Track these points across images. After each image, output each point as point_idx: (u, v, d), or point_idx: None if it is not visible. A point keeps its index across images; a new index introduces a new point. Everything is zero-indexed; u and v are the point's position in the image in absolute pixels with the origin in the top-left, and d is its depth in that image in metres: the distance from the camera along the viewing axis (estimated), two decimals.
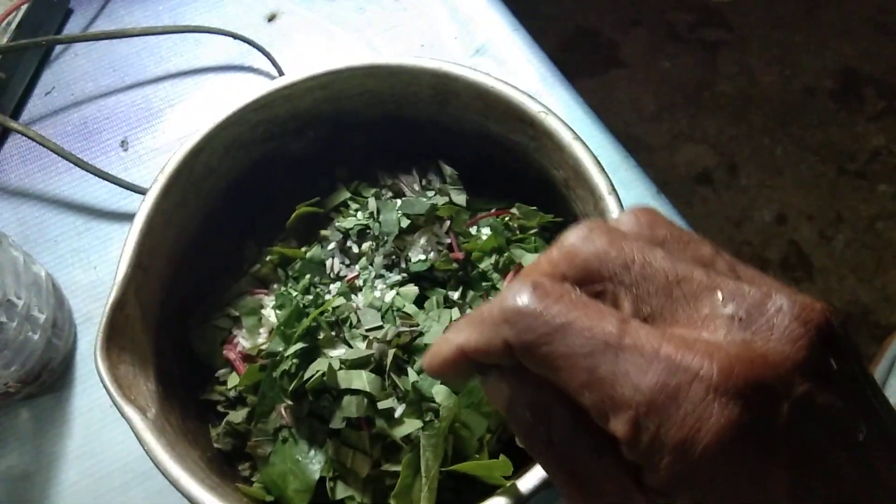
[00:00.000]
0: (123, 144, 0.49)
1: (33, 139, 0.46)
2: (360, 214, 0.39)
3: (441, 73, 0.38)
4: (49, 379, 0.43)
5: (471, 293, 0.37)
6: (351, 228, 0.39)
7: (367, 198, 0.40)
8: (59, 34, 0.55)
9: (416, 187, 0.41)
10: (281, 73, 0.51)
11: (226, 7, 0.55)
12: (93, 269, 0.47)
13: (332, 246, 0.39)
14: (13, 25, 0.51)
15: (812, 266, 1.31)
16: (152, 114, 0.51)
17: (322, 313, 0.35)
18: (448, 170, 0.41)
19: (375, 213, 0.39)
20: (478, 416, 0.34)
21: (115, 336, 0.33)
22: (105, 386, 0.31)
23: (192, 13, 0.55)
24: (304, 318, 0.35)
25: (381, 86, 0.39)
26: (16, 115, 0.52)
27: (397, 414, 0.34)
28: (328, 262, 0.38)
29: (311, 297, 0.37)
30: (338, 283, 0.38)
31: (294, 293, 0.37)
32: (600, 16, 1.53)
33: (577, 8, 1.54)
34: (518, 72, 0.53)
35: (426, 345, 0.35)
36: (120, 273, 0.34)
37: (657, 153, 1.41)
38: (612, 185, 0.35)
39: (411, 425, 0.33)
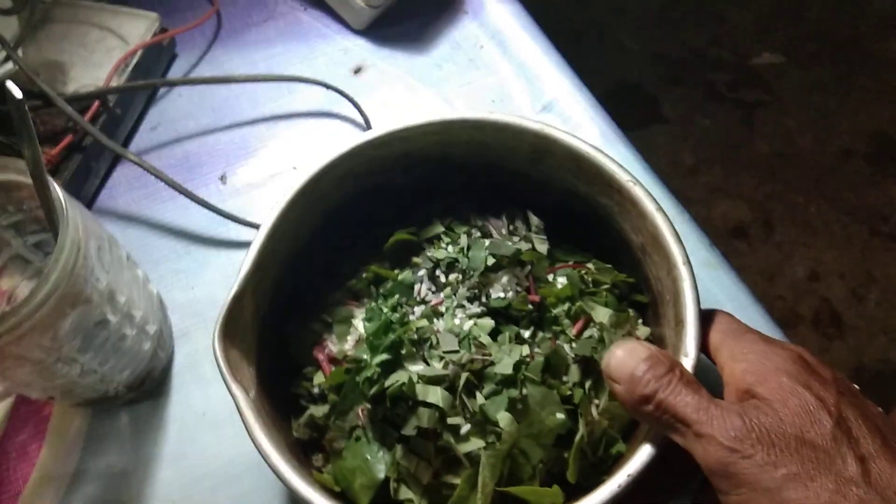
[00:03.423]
0: (222, 179, 0.54)
1: (146, 169, 0.52)
2: (450, 248, 0.43)
3: (542, 134, 0.42)
4: (150, 386, 0.48)
5: (540, 334, 0.41)
6: (442, 259, 0.43)
7: (459, 234, 0.44)
8: (165, 77, 0.60)
9: (504, 231, 0.45)
10: (366, 121, 0.56)
11: (316, 60, 0.61)
12: (190, 289, 0.52)
13: (422, 272, 0.43)
14: (129, 68, 0.57)
15: (843, 324, 1.33)
16: (248, 152, 0.57)
17: (407, 331, 0.39)
18: (535, 220, 0.45)
19: (465, 248, 0.43)
20: (535, 446, 0.37)
21: (231, 324, 0.37)
22: (218, 364, 0.35)
23: (286, 63, 0.61)
24: (391, 333, 0.39)
25: (486, 138, 0.43)
26: (125, 147, 0.57)
27: (463, 431, 0.37)
28: (416, 287, 0.43)
29: (397, 315, 0.41)
30: (422, 307, 0.42)
31: (384, 309, 0.41)
32: (642, 72, 1.59)
33: (620, 64, 1.60)
34: (581, 127, 0.58)
35: (496, 374, 0.38)
36: (244, 270, 0.38)
37: (694, 206, 1.45)
38: (687, 256, 0.38)
39: (474, 444, 0.37)
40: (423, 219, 0.46)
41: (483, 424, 0.37)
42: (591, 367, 0.40)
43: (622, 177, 0.40)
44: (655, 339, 0.42)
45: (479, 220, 0.46)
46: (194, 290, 0.52)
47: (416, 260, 0.44)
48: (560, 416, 0.38)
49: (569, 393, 0.39)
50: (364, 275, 0.44)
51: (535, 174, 0.45)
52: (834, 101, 1.54)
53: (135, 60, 0.57)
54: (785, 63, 1.59)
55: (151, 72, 0.59)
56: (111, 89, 0.55)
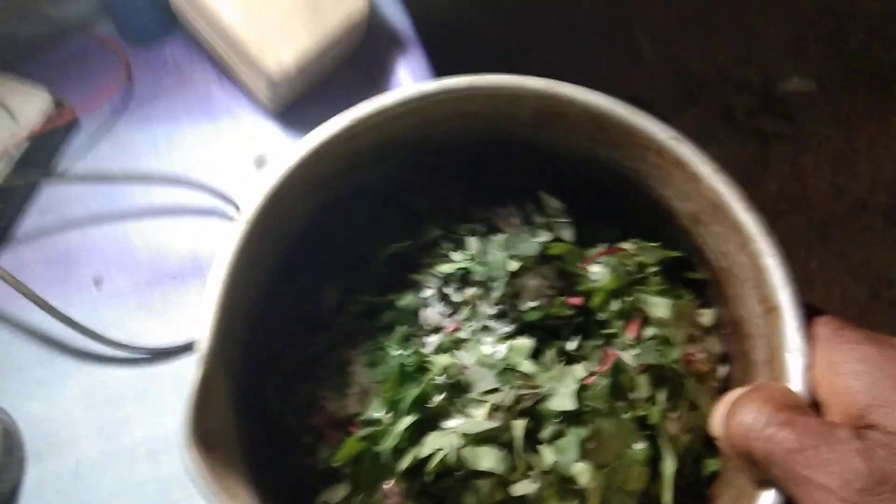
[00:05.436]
0: (97, 283, 0.47)
1: (8, 282, 0.43)
2: (457, 255, 0.35)
3: (549, 94, 0.33)
4: None
5: (588, 343, 0.34)
6: (451, 274, 0.34)
7: (461, 235, 0.36)
8: (58, 152, 0.51)
9: (515, 222, 0.36)
10: None
11: (220, 143, 0.52)
12: (48, 403, 0.45)
13: (428, 293, 0.34)
14: (15, 159, 0.48)
15: None
16: (129, 252, 0.49)
17: (431, 378, 0.31)
18: (552, 202, 0.36)
19: (478, 253, 0.34)
20: (624, 495, 0.30)
21: (204, 418, 0.28)
22: (201, 483, 0.26)
23: (188, 146, 0.52)
24: (410, 383, 0.31)
25: (475, 109, 0.34)
26: (5, 234, 0.49)
27: (533, 497, 0.29)
28: (424, 312, 0.34)
29: (409, 353, 0.32)
30: (435, 336, 0.34)
31: (391, 349, 0.33)
32: (657, 87, 1.46)
33: (635, 75, 1.47)
34: None
35: (553, 411, 0.30)
36: (204, 344, 0.29)
37: None
38: (766, 226, 0.30)
39: None
40: (408, 221, 0.37)
41: (558, 484, 0.30)
42: (659, 375, 0.32)
43: (660, 135, 0.32)
44: (728, 323, 0.35)
45: (479, 212, 0.37)
46: (52, 404, 0.45)
47: (416, 277, 0.35)
48: (640, 446, 0.31)
49: (642, 413, 0.31)
50: (351, 307, 0.35)
51: (541, 144, 0.36)
52: (861, 142, 1.45)
53: (22, 150, 0.48)
54: (815, 91, 1.49)
55: (45, 149, 0.50)
56: None
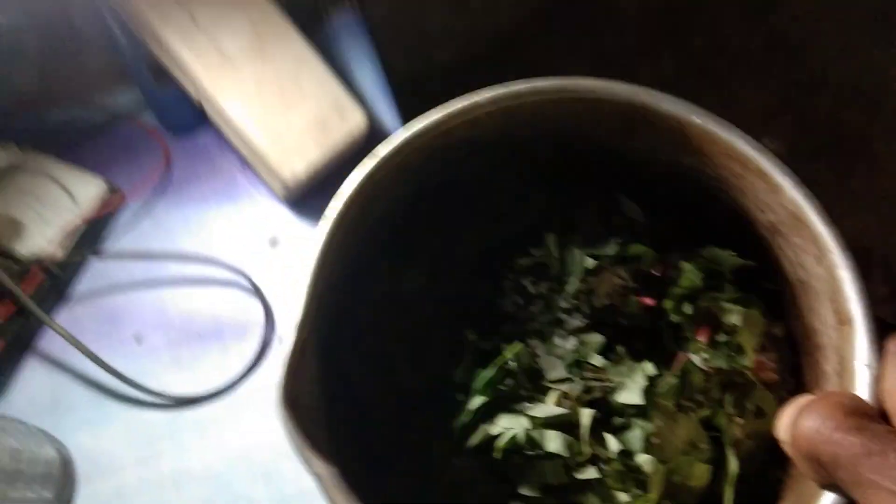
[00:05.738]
0: (138, 340, 0.54)
1: (63, 336, 0.50)
2: (536, 250, 0.37)
3: (637, 103, 0.34)
4: None
5: (659, 344, 0.35)
6: (527, 266, 0.36)
7: (541, 231, 0.37)
8: (106, 230, 0.57)
9: (594, 222, 0.38)
10: (267, 309, 0.53)
11: (241, 222, 0.57)
12: (96, 440, 0.50)
13: (505, 283, 0.36)
14: (76, 237, 0.54)
15: None
16: (166, 315, 0.55)
17: (504, 363, 0.33)
18: (630, 205, 0.38)
19: (556, 249, 0.36)
20: (686, 491, 0.31)
21: (295, 381, 0.30)
22: (293, 440, 0.29)
23: (215, 225, 0.58)
24: (484, 365, 0.33)
25: (563, 112, 0.36)
26: (62, 296, 0.55)
27: (595, 482, 0.31)
28: (500, 301, 0.36)
29: (483, 338, 0.34)
30: (510, 325, 0.35)
31: (470, 335, 0.35)
32: None
33: None
34: None
35: (621, 404, 0.32)
36: (299, 311, 0.31)
37: None
38: (843, 241, 0.31)
39: (619, 500, 0.31)
40: (490, 214, 0.39)
41: (622, 472, 0.31)
42: (728, 379, 0.33)
43: (744, 146, 0.33)
44: (800, 333, 0.35)
45: (561, 211, 0.38)
46: (99, 439, 0.51)
47: (495, 268, 0.37)
48: (704, 446, 0.31)
49: (708, 415, 0.32)
50: (433, 292, 0.37)
51: (622, 148, 0.37)
52: (823, 202, 1.42)
53: (81, 231, 0.54)
54: (783, 154, 1.49)
55: (97, 226, 0.56)
56: (55, 262, 0.53)
